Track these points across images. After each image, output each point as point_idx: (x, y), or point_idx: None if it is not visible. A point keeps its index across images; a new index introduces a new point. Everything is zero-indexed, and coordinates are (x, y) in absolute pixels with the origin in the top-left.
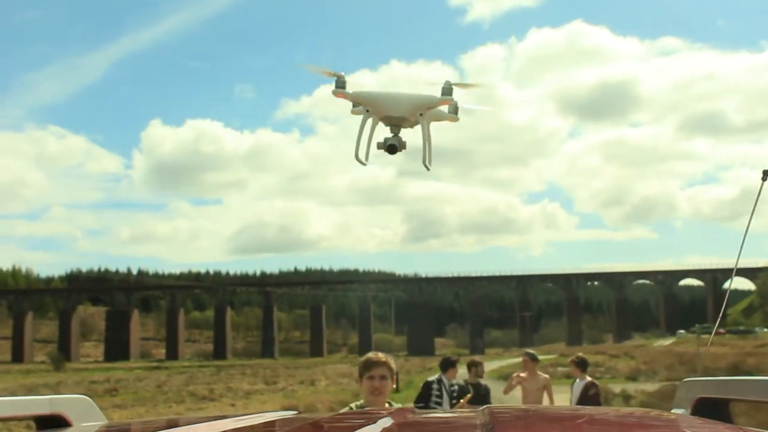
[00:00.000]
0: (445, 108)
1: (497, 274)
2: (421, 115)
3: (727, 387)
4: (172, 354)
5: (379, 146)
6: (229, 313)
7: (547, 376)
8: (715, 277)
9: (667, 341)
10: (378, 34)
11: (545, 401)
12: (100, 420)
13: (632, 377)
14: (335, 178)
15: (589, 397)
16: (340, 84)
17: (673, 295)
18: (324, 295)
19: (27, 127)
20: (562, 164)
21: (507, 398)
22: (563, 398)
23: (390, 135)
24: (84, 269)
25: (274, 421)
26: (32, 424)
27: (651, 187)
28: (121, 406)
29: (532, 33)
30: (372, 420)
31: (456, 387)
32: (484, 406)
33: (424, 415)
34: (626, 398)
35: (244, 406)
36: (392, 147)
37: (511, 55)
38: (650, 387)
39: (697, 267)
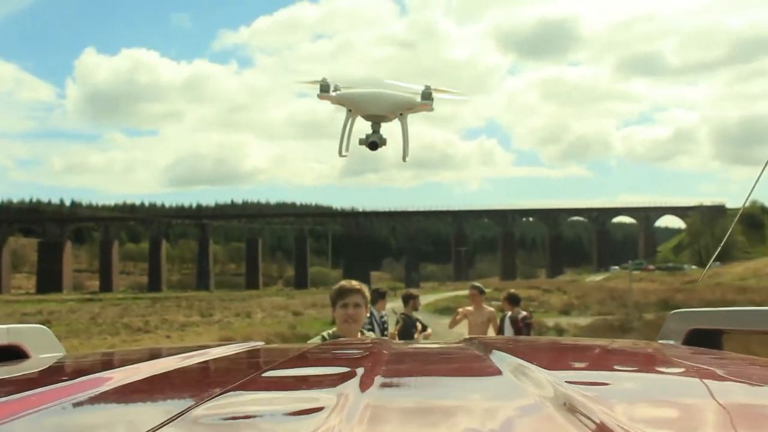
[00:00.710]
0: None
1: (434, 209)
2: (401, 114)
3: (719, 318)
4: (106, 286)
5: (361, 142)
6: (165, 246)
7: (492, 309)
8: (648, 215)
9: (599, 277)
10: None
11: (490, 333)
12: (59, 351)
13: (565, 311)
14: (273, 111)
15: (525, 325)
16: (324, 88)
17: (606, 232)
18: (260, 228)
19: None
20: (500, 101)
21: (450, 333)
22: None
23: (371, 131)
24: (15, 200)
25: (256, 350)
26: None
27: (587, 126)
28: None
29: None
30: (351, 350)
31: (386, 318)
32: (469, 336)
33: (408, 346)
34: (559, 331)
35: (179, 338)
36: (374, 144)
37: None
38: (582, 321)
39: (630, 205)
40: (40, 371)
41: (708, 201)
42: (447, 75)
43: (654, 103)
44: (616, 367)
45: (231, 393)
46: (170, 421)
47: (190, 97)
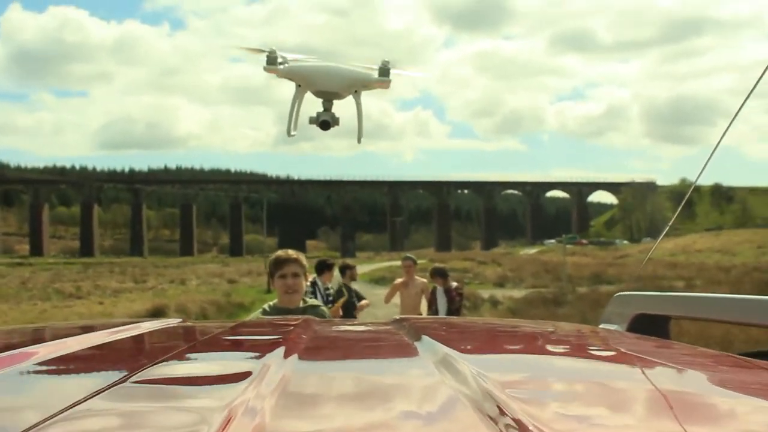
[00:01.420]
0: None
1: (369, 179)
2: (355, 92)
3: (667, 303)
4: (37, 250)
5: (312, 121)
6: (97, 210)
7: (424, 280)
8: (581, 190)
9: (533, 250)
10: None
11: (423, 304)
12: None
13: (499, 283)
14: (207, 76)
15: (457, 295)
16: (271, 60)
17: (540, 206)
18: (194, 194)
19: None
20: (435, 73)
21: (385, 306)
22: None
23: (321, 109)
24: None
25: (174, 327)
26: None
27: (521, 100)
28: None
29: None
30: (272, 330)
31: (331, 290)
32: (398, 316)
33: (333, 327)
34: (494, 303)
35: (112, 304)
36: (325, 123)
37: None
38: (517, 293)
39: (563, 180)
40: None
41: (639, 177)
42: (382, 45)
43: (587, 79)
44: (553, 359)
45: (143, 375)
46: (73, 406)
47: (120, 58)
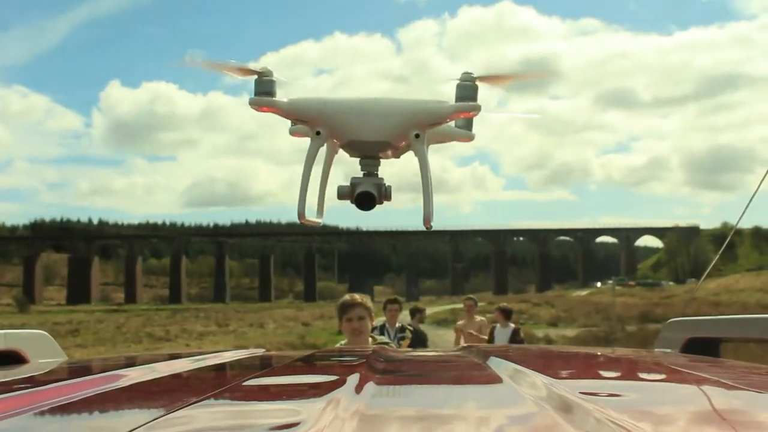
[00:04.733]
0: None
1: (432, 229)
2: (417, 136)
3: (717, 326)
4: (131, 298)
5: (342, 195)
6: (184, 261)
7: (484, 318)
8: (628, 235)
9: (584, 292)
10: (321, 5)
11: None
12: (59, 356)
13: (553, 323)
14: (280, 140)
15: (517, 341)
16: (264, 88)
17: (590, 251)
18: (272, 245)
19: None
20: (490, 131)
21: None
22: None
23: (360, 174)
24: (47, 219)
25: (258, 355)
26: None
27: (569, 154)
28: (83, 345)
29: (463, 10)
30: (349, 356)
31: (407, 332)
32: (465, 344)
33: (405, 353)
34: (548, 341)
35: (198, 346)
36: (366, 198)
37: (443, 30)
38: (570, 332)
39: (611, 226)
40: (33, 374)
41: (683, 222)
42: None
43: (629, 133)
44: (616, 374)
45: (223, 395)
46: (154, 421)
47: (205, 126)
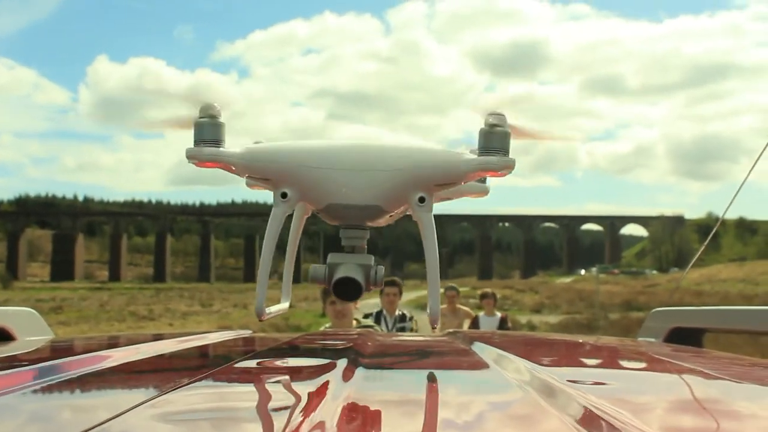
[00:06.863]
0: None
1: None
2: (421, 201)
3: (701, 316)
4: (115, 276)
5: (315, 279)
6: (169, 240)
7: (467, 308)
8: (613, 223)
9: (568, 279)
10: None
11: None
12: (47, 334)
13: (536, 310)
14: (268, 119)
15: (506, 329)
16: (206, 134)
17: (575, 238)
18: (258, 225)
19: None
20: (478, 115)
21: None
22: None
23: (341, 249)
24: (32, 194)
25: (245, 337)
26: None
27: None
28: (66, 323)
29: None
30: (336, 340)
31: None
32: (451, 330)
33: (392, 338)
34: (531, 328)
35: (181, 326)
36: (349, 286)
37: (433, 12)
38: (552, 319)
39: (597, 213)
40: (21, 353)
41: (668, 211)
42: (430, 90)
43: (616, 120)
44: (600, 362)
45: (211, 377)
46: (142, 404)
47: (193, 103)
